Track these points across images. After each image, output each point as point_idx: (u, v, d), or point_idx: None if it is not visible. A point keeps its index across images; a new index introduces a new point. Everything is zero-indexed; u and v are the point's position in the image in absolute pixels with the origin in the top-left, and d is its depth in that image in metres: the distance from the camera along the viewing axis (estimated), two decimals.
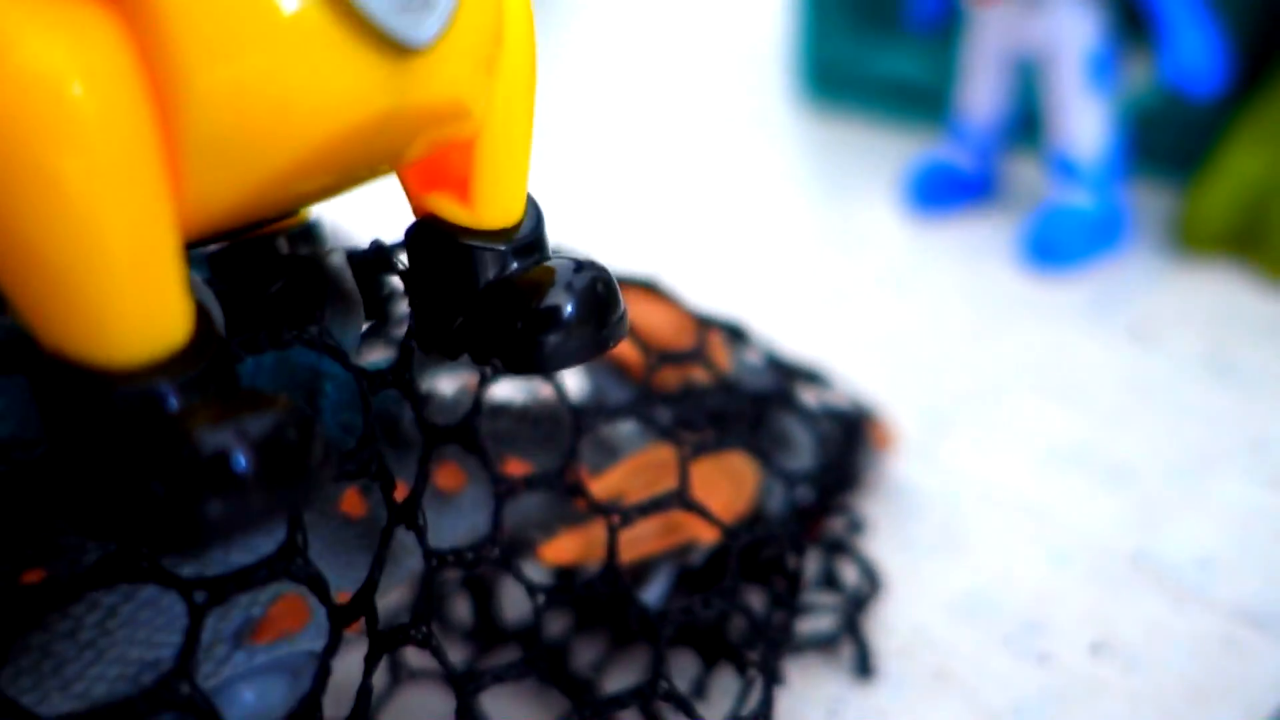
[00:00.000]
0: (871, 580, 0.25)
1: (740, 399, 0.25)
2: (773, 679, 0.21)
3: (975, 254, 0.40)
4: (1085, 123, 0.37)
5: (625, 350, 0.23)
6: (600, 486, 0.21)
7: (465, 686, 0.18)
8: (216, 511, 0.11)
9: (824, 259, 0.41)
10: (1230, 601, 0.24)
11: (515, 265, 0.15)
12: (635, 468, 0.22)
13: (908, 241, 0.42)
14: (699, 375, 0.24)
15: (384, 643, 0.17)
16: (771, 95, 0.57)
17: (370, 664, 0.17)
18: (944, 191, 0.42)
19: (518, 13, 0.15)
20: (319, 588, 0.15)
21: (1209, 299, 0.35)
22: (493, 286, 0.15)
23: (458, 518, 0.20)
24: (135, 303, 0.11)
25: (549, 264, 0.16)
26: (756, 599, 0.23)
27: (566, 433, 0.21)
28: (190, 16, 0.11)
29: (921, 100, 0.49)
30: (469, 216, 0.15)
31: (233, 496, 0.11)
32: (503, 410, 0.22)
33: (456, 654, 0.24)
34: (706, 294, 0.29)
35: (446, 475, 0.20)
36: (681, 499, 0.21)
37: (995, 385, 0.33)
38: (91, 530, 0.12)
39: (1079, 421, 0.31)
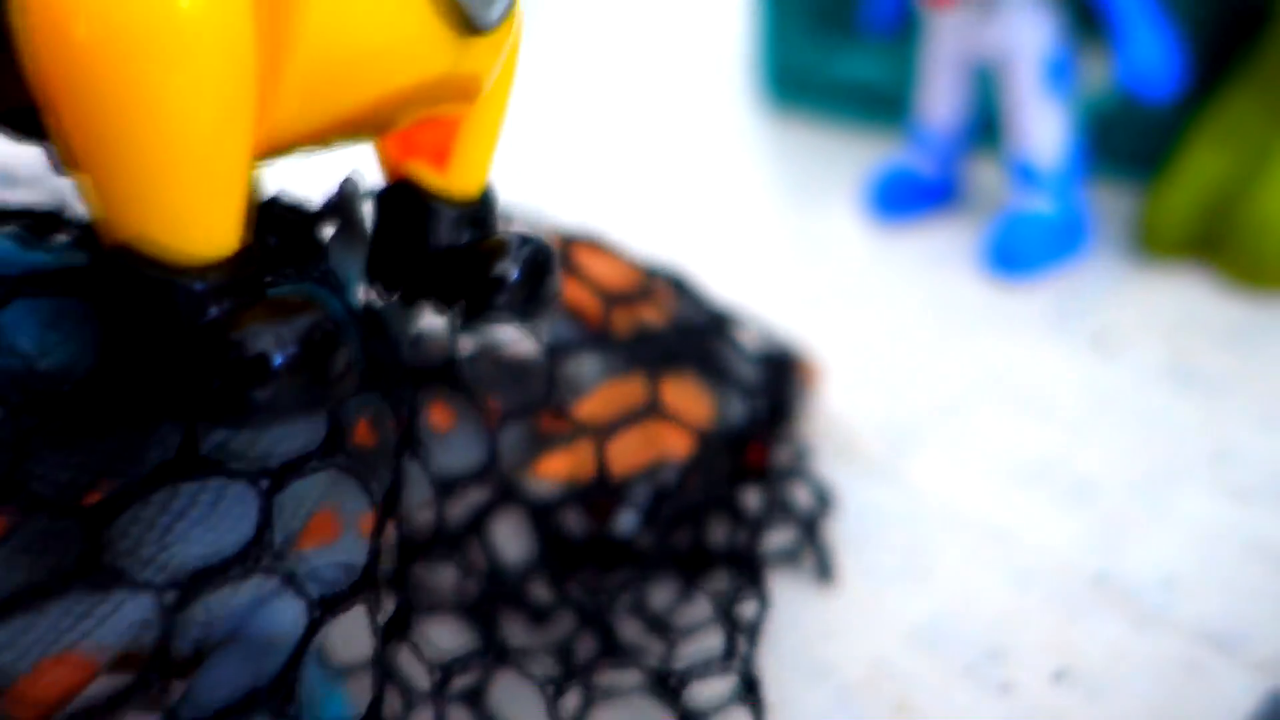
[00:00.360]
0: (823, 500, 0.27)
1: (687, 336, 0.28)
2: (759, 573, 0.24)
3: (937, 262, 0.40)
4: (1044, 128, 0.37)
5: (580, 297, 0.26)
6: (579, 414, 0.24)
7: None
8: (261, 398, 0.13)
9: (787, 267, 0.41)
10: (1192, 623, 0.24)
11: (470, 233, 0.18)
12: (606, 398, 0.25)
13: (870, 249, 0.41)
14: (650, 317, 0.27)
15: (413, 551, 0.19)
16: (733, 99, 0.56)
17: (402, 572, 0.18)
18: (906, 198, 0.42)
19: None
20: (363, 474, 0.17)
21: (1171, 304, 0.35)
22: (456, 249, 0.18)
23: (451, 454, 0.22)
24: (209, 205, 0.13)
25: (501, 235, 0.18)
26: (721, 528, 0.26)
27: (537, 373, 0.24)
28: None
29: (881, 104, 0.49)
30: (441, 183, 0.18)
31: (272, 388, 0.13)
32: (477, 356, 0.24)
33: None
34: None
35: (438, 414, 0.23)
36: (655, 409, 0.24)
37: (959, 399, 0.32)
38: (153, 409, 0.14)
39: (1042, 435, 0.30)
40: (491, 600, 0.22)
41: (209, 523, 0.16)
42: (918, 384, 0.33)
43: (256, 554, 0.15)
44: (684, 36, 0.66)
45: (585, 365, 0.26)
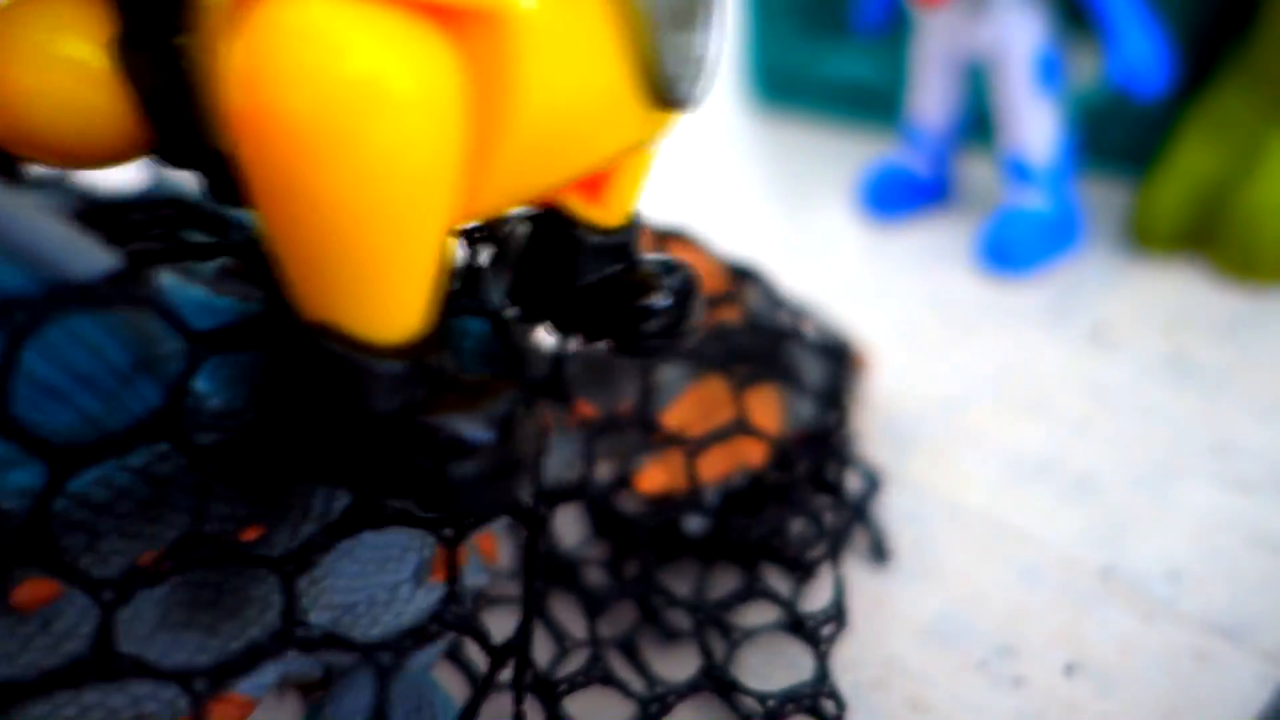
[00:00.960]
0: (873, 481, 0.28)
1: (762, 336, 0.29)
2: (838, 575, 0.24)
3: (933, 258, 0.40)
4: (1036, 125, 0.37)
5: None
6: (669, 421, 0.25)
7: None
8: (466, 481, 0.13)
9: (784, 267, 0.41)
10: (1200, 614, 0.24)
11: (617, 262, 0.18)
12: (691, 404, 0.26)
13: (865, 247, 0.41)
14: (728, 316, 0.28)
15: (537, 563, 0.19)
16: (724, 99, 0.56)
17: (531, 567, 0.19)
18: (900, 196, 0.42)
19: None
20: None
21: (1168, 298, 0.35)
22: (605, 279, 0.18)
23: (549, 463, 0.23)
24: (407, 293, 0.13)
25: (647, 265, 0.18)
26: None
27: (625, 374, 0.25)
28: (540, 52, 0.13)
29: (873, 102, 0.49)
30: (592, 214, 0.17)
31: (478, 470, 0.13)
32: (567, 358, 0.25)
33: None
34: None
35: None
36: (742, 426, 0.25)
37: (960, 397, 0.33)
38: (343, 482, 0.14)
39: (1044, 431, 0.31)
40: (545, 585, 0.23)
41: (357, 561, 0.17)
42: (920, 383, 0.33)
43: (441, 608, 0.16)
44: None
45: (669, 369, 0.27)
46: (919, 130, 0.41)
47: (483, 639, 0.17)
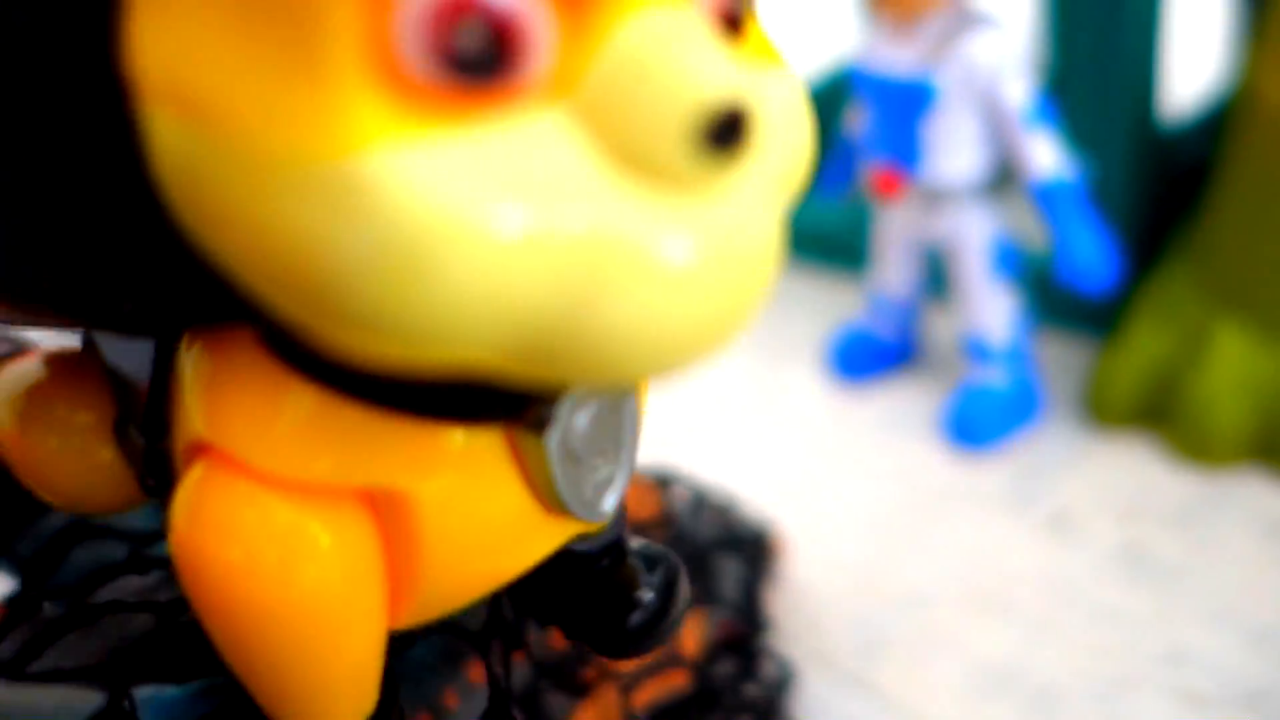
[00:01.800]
0: (784, 671, 0.30)
1: (684, 548, 0.29)
2: None
3: (900, 428, 0.41)
4: (993, 309, 0.38)
5: None
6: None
7: None
8: None
9: (753, 432, 0.42)
10: None
11: (605, 562, 0.18)
12: None
13: (834, 413, 0.43)
14: (655, 534, 0.29)
15: None
16: None
17: None
18: (866, 360, 0.44)
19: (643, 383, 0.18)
20: None
21: (1125, 479, 0.37)
22: (588, 583, 0.18)
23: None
24: (349, 705, 0.15)
25: (631, 562, 0.18)
26: None
27: None
28: (437, 524, 0.14)
29: (840, 251, 0.51)
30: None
31: None
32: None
33: None
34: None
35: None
36: (673, 659, 0.27)
37: (927, 593, 0.34)
38: None
39: (1006, 635, 0.32)
40: None
41: None
42: (888, 576, 0.35)
43: None
44: None
45: None
46: (882, 298, 0.42)
47: None
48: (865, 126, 0.39)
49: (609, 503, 0.16)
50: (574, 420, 0.14)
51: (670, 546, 0.29)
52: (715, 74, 0.11)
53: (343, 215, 0.10)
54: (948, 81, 0.35)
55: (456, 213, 0.10)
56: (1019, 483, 0.37)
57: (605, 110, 0.11)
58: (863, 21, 0.37)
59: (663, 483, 0.33)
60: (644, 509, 0.31)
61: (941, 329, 0.45)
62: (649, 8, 0.11)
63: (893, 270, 0.41)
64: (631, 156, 0.11)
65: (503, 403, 0.14)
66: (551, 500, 0.15)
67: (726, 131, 0.11)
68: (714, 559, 0.31)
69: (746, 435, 0.43)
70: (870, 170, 0.38)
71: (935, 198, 0.37)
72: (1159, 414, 0.37)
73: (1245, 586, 0.32)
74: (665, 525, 0.30)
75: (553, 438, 0.14)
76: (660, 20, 0.11)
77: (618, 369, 0.11)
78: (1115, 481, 0.37)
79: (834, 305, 0.49)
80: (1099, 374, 0.39)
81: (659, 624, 0.18)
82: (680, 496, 0.32)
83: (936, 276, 0.43)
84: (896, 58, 0.35)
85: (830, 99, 0.53)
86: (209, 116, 0.10)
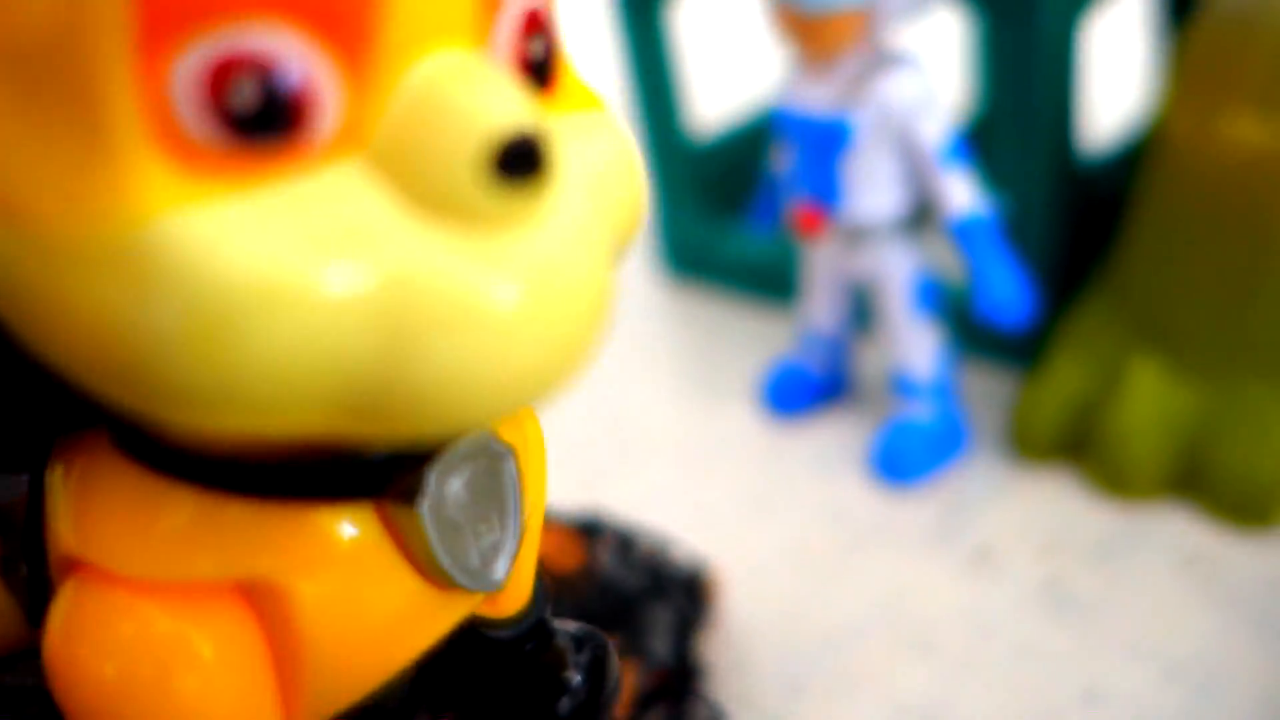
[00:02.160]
0: (715, 716, 0.29)
1: (611, 598, 0.29)
2: None
3: (830, 463, 0.41)
4: (918, 345, 0.39)
5: None
6: None
7: None
8: None
9: (685, 468, 0.42)
10: None
11: (530, 646, 0.18)
12: None
13: (766, 450, 0.43)
14: (580, 584, 0.29)
15: None
16: (639, 269, 0.58)
17: None
18: (797, 395, 0.44)
19: (536, 442, 0.17)
20: None
21: (1046, 512, 0.37)
22: (514, 668, 0.18)
23: None
24: None
25: (558, 643, 0.18)
26: None
27: None
28: (319, 612, 0.13)
29: (772, 282, 0.51)
30: (492, 610, 0.17)
31: None
32: None
33: None
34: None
35: None
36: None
37: (852, 632, 0.34)
38: None
39: (928, 673, 0.32)
40: None
41: None
42: (813, 613, 0.34)
43: None
44: None
45: None
46: (812, 334, 0.43)
47: None
48: (788, 165, 0.39)
49: (499, 570, 0.15)
50: (446, 488, 0.14)
51: (597, 597, 0.29)
52: (502, 104, 0.11)
53: (141, 286, 0.10)
54: (864, 121, 0.35)
55: (252, 273, 0.10)
56: (944, 518, 0.38)
57: (400, 155, 0.11)
58: (786, 60, 0.37)
59: (588, 531, 0.32)
60: (568, 560, 0.31)
61: (873, 362, 0.45)
62: (437, 51, 0.11)
63: (821, 306, 0.41)
64: (430, 197, 0.11)
65: (368, 477, 0.13)
66: (435, 573, 0.15)
67: (519, 160, 0.11)
68: (644, 608, 0.31)
69: (678, 471, 0.42)
70: (793, 208, 0.39)
71: (857, 235, 0.38)
72: (1079, 447, 0.38)
73: (1162, 621, 0.32)
74: (590, 576, 0.30)
75: (425, 507, 0.14)
76: (447, 61, 0.11)
77: (448, 416, 0.11)
78: (1037, 516, 0.37)
79: (767, 337, 0.49)
80: (1021, 408, 0.39)
81: (589, 708, 0.18)
82: (606, 545, 0.32)
83: (866, 311, 0.43)
84: (815, 97, 0.36)
85: (760, 137, 0.54)
86: (12, 211, 0.10)
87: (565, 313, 0.12)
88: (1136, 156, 0.40)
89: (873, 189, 0.36)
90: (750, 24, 0.56)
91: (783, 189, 0.41)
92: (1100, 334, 0.38)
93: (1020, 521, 0.37)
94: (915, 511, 0.38)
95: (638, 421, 0.46)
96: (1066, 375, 0.38)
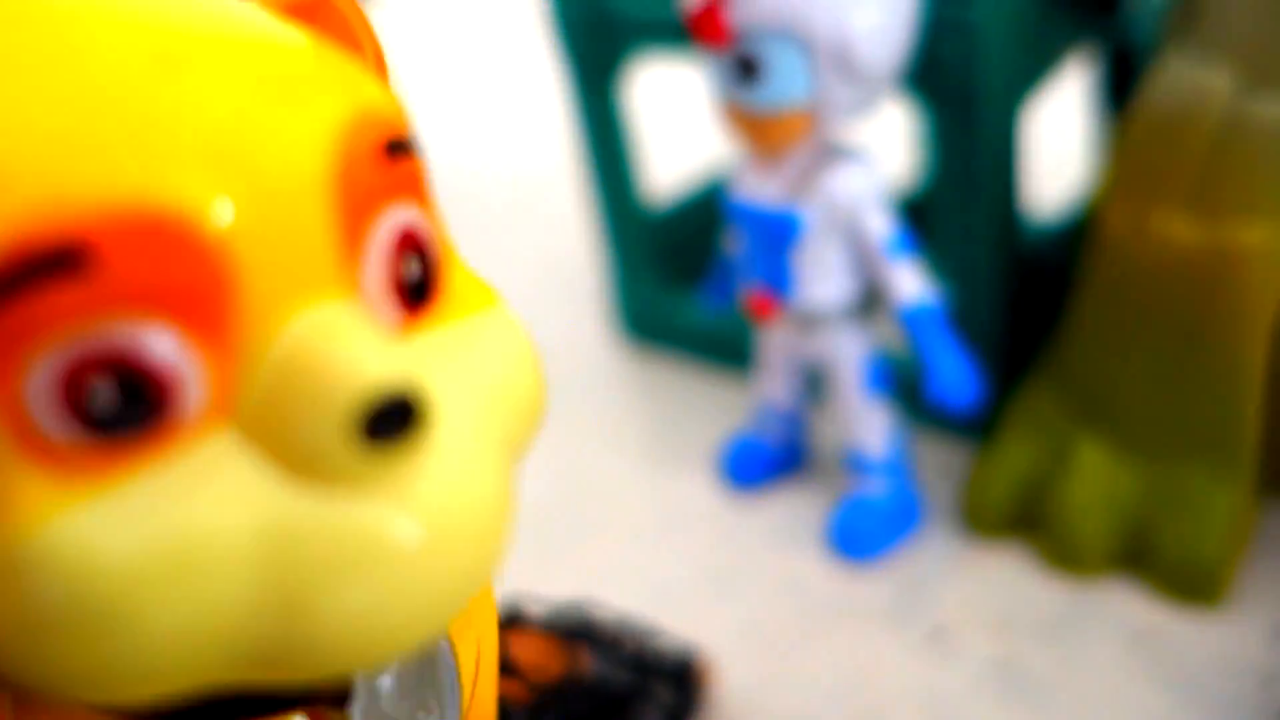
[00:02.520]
0: None
1: (602, 701, 0.30)
2: None
3: (787, 538, 0.42)
4: (870, 424, 0.39)
5: (511, 689, 0.28)
6: None
7: None
8: None
9: (642, 541, 0.43)
10: None
11: None
12: None
13: (724, 525, 0.43)
14: (569, 688, 0.30)
15: None
16: (597, 335, 0.58)
17: None
18: (755, 468, 0.44)
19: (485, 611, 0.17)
20: None
21: (999, 590, 0.38)
22: None
23: None
24: None
25: None
26: None
27: None
28: None
29: (727, 350, 0.52)
30: None
31: None
32: None
33: None
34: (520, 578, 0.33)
35: None
36: None
37: (809, 715, 0.34)
38: None
39: None
40: None
41: None
42: (767, 697, 0.35)
43: None
44: (551, 269, 0.68)
45: None
46: (768, 408, 0.43)
47: None
48: (740, 250, 0.40)
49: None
50: (376, 687, 0.14)
51: (585, 700, 0.30)
52: (368, 364, 0.11)
53: (27, 591, 0.10)
54: (812, 214, 0.36)
55: (127, 565, 0.10)
56: (900, 596, 0.38)
57: (269, 423, 0.11)
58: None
59: (571, 636, 0.32)
60: (552, 666, 0.30)
61: (829, 434, 0.46)
62: (303, 310, 0.11)
63: (776, 383, 0.42)
64: (302, 463, 0.11)
65: (297, 692, 0.14)
66: None
67: (388, 421, 0.11)
68: (633, 707, 0.31)
69: (635, 544, 0.43)
70: (747, 293, 0.39)
71: (808, 321, 0.38)
72: (1030, 524, 0.39)
73: (1113, 701, 0.33)
74: (576, 682, 0.30)
75: (357, 710, 0.14)
76: (314, 319, 0.11)
77: (354, 656, 0.12)
78: (990, 592, 0.38)
79: (724, 403, 0.50)
80: (972, 485, 0.40)
81: None
82: (591, 647, 0.32)
83: (820, 384, 0.44)
84: (764, 189, 0.37)
85: (714, 204, 0.55)
86: None
87: (468, 536, 0.12)
88: (1080, 230, 0.41)
89: (823, 278, 0.37)
90: (702, 93, 0.57)
91: (736, 270, 0.42)
92: (1047, 414, 0.39)
93: (974, 598, 0.38)
94: (872, 588, 0.39)
95: (595, 489, 0.46)
96: (1016, 454, 0.39)
